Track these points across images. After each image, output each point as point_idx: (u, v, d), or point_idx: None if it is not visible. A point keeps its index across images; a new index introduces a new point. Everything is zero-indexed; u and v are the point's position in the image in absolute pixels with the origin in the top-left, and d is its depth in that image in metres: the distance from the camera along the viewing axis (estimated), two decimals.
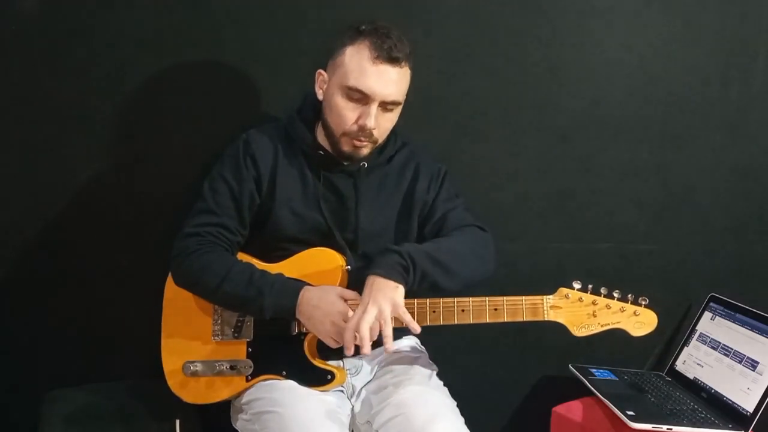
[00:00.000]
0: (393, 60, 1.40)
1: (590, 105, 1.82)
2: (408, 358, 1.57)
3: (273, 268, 1.47)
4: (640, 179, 1.85)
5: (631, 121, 1.83)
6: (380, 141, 1.50)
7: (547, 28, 1.78)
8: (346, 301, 1.40)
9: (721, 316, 1.78)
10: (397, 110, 1.48)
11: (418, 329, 1.37)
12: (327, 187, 1.51)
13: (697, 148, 1.84)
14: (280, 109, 1.68)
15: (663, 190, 1.86)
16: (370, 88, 1.40)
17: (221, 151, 1.55)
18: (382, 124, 1.46)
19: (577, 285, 1.43)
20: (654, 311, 1.43)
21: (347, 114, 1.44)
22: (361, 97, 1.42)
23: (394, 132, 1.56)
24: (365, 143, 1.46)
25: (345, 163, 1.51)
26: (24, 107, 1.74)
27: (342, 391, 1.52)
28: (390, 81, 1.41)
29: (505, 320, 1.41)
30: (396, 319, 1.41)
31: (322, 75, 1.49)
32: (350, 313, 1.39)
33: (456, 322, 1.41)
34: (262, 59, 1.74)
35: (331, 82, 1.46)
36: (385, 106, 1.43)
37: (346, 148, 1.47)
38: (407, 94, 1.52)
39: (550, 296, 1.43)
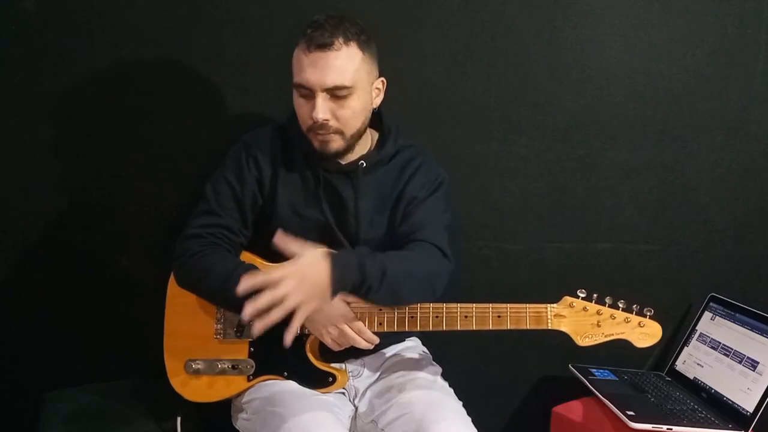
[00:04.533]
0: (323, 45, 1.36)
1: (590, 105, 1.82)
2: (412, 360, 1.57)
3: None
4: (640, 179, 1.85)
5: (631, 121, 1.82)
6: (350, 132, 1.44)
7: (547, 28, 1.78)
8: (348, 303, 1.40)
9: (721, 316, 1.78)
10: (354, 97, 1.41)
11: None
12: (326, 187, 1.50)
13: (697, 148, 1.84)
14: (284, 109, 1.68)
15: (663, 190, 1.86)
16: (307, 80, 1.38)
17: (224, 151, 1.55)
18: (340, 114, 1.41)
19: (582, 294, 1.42)
20: (659, 322, 1.42)
21: (302, 111, 1.43)
22: (306, 92, 1.40)
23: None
24: (328, 136, 1.42)
25: (342, 163, 1.50)
26: (24, 107, 1.74)
27: (343, 393, 1.52)
28: (325, 67, 1.37)
29: (509, 328, 1.41)
30: (399, 322, 1.42)
31: None
32: (352, 315, 1.39)
33: (459, 329, 1.41)
34: (263, 60, 1.74)
35: None
36: (332, 93, 1.39)
37: (315, 144, 1.45)
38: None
39: (555, 305, 1.42)
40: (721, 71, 1.81)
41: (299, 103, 1.43)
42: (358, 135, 1.48)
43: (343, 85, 1.38)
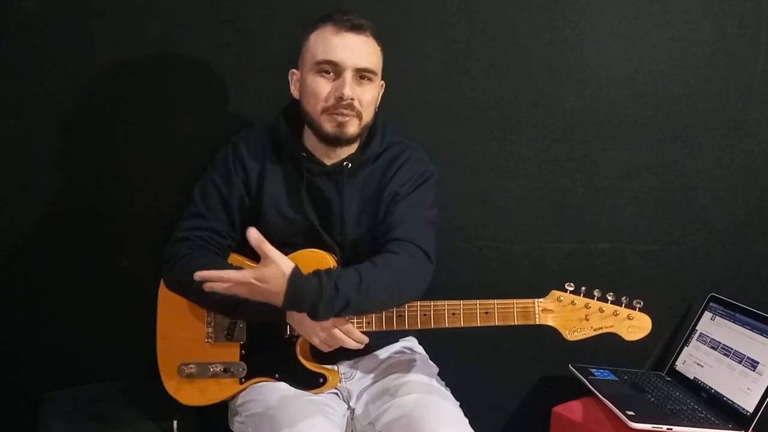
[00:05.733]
0: (356, 28, 1.39)
1: (590, 105, 1.82)
2: (407, 362, 1.56)
3: None
4: (640, 179, 1.85)
5: (631, 121, 1.82)
6: (366, 119, 1.44)
7: (547, 28, 1.78)
8: None
9: (721, 316, 1.78)
10: (375, 84, 1.44)
11: None
12: (312, 189, 1.49)
13: (697, 148, 1.84)
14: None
15: (663, 190, 1.86)
16: (339, 57, 1.39)
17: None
18: (362, 97, 1.41)
19: (569, 287, 1.41)
20: (648, 314, 1.41)
21: (322, 89, 1.41)
22: (333, 69, 1.40)
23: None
24: (348, 117, 1.41)
25: (327, 164, 1.48)
26: (24, 107, 1.74)
27: (336, 393, 1.52)
28: (357, 48, 1.39)
29: (497, 324, 1.40)
30: (387, 321, 1.41)
31: (295, 74, 1.48)
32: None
33: (447, 326, 1.40)
34: (263, 60, 1.74)
35: (303, 72, 1.45)
36: (360, 74, 1.40)
37: (328, 127, 1.42)
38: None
39: (542, 299, 1.41)
40: (721, 71, 1.81)
41: (319, 83, 1.41)
42: (366, 127, 1.48)
43: (372, 69, 1.42)
